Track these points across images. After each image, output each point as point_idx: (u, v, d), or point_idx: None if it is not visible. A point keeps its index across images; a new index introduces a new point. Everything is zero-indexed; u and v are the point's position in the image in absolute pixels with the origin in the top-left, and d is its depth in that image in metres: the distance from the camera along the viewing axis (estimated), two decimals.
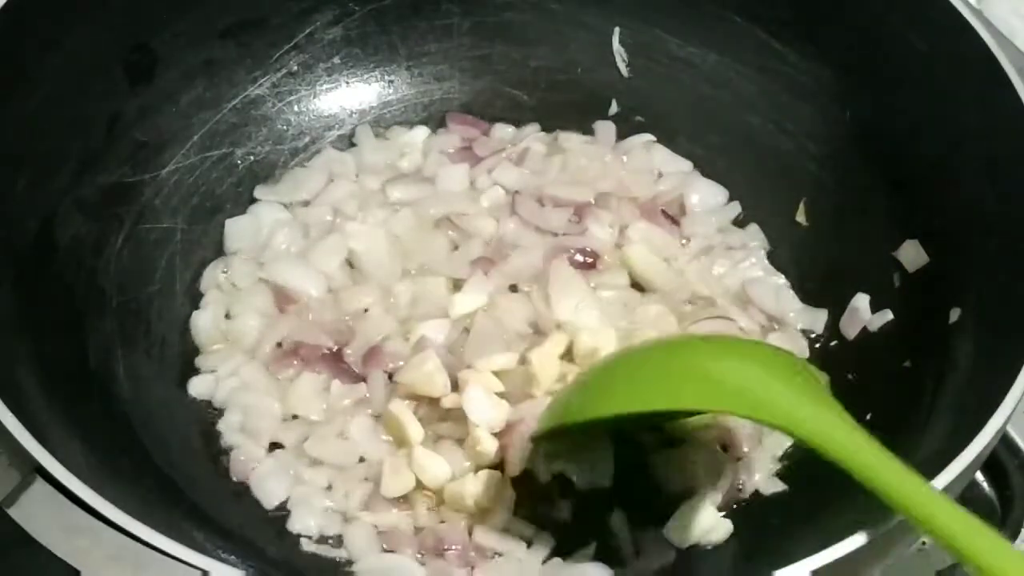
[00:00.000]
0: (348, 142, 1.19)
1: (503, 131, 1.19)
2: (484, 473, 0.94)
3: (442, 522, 0.94)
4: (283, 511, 0.95)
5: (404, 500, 0.95)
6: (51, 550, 0.70)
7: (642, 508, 0.95)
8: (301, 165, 1.16)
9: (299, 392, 1.00)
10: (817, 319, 1.07)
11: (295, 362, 1.02)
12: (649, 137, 1.18)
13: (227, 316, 1.06)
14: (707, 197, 1.15)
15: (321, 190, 1.13)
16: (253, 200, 1.13)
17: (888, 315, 1.03)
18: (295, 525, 0.94)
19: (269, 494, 0.96)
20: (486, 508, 0.94)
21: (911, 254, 1.03)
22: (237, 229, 1.11)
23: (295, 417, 1.00)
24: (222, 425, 1.00)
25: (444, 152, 1.17)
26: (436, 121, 1.21)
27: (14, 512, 0.72)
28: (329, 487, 0.96)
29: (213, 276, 1.08)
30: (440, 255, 1.09)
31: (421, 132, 1.19)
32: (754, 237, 1.13)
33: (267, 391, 1.01)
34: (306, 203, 1.13)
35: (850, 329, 1.04)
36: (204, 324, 1.05)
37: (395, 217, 1.11)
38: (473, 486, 0.93)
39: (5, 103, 0.93)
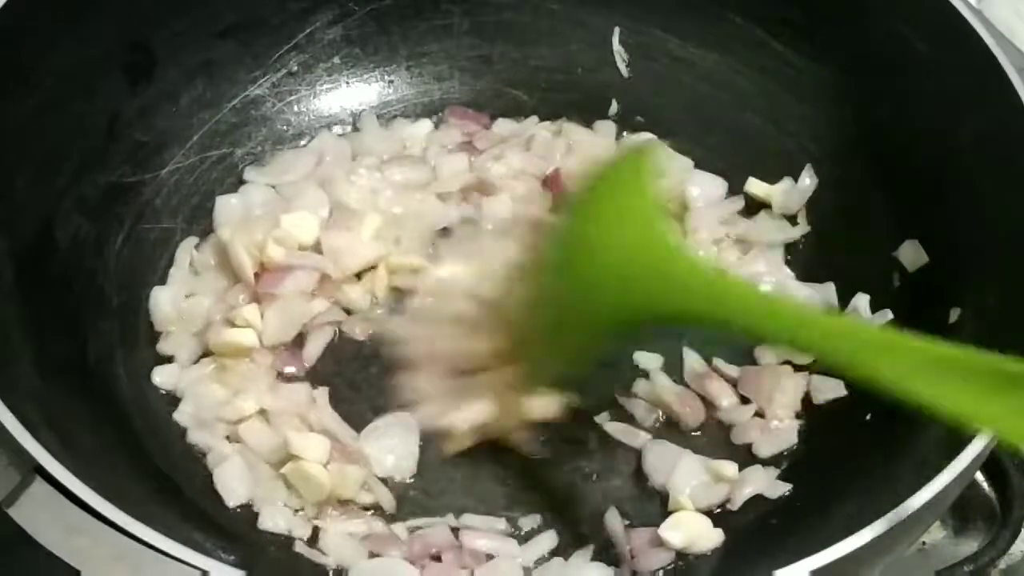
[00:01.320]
0: None
1: (504, 126, 1.19)
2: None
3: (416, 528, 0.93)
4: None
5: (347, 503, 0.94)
6: (51, 550, 0.70)
7: (637, 507, 0.95)
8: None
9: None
10: (827, 292, 1.07)
11: None
12: (650, 136, 1.18)
13: (187, 296, 1.05)
14: (708, 190, 1.14)
15: (311, 171, 1.13)
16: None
17: (888, 315, 1.02)
18: (265, 523, 0.93)
19: (230, 492, 0.94)
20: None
21: (911, 254, 1.03)
22: (227, 207, 1.10)
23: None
24: (177, 416, 0.98)
25: (444, 147, 1.17)
26: (436, 122, 1.20)
27: (14, 512, 0.72)
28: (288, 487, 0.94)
29: (185, 253, 1.07)
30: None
31: (425, 125, 1.18)
32: (758, 228, 1.12)
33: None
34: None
35: None
36: (163, 302, 1.03)
37: (387, 186, 1.11)
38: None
39: (5, 103, 0.93)
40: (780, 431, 0.99)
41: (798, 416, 1.01)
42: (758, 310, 0.75)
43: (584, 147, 1.16)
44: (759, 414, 1.00)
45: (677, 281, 0.77)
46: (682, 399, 1.00)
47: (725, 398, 1.01)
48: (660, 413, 1.01)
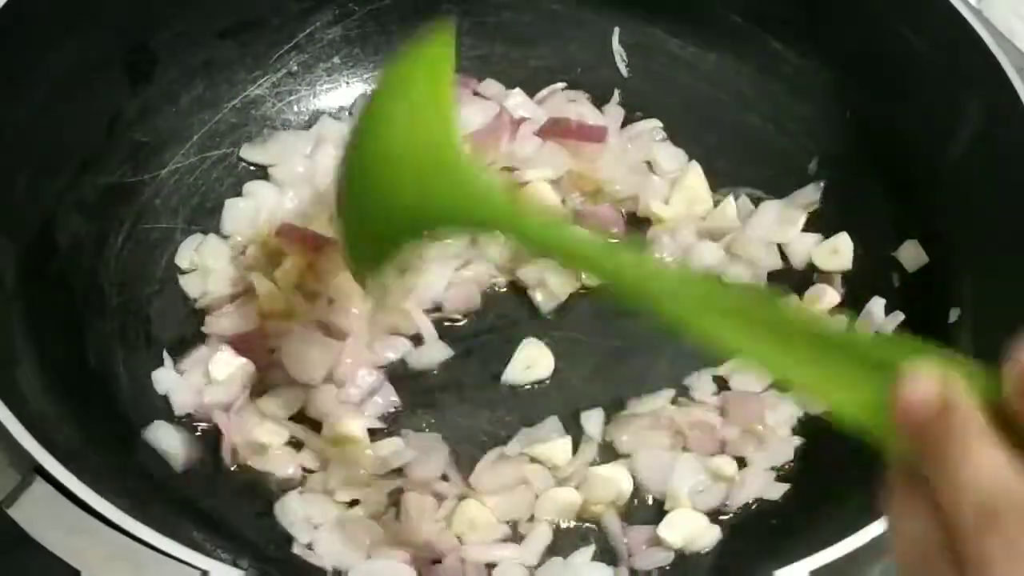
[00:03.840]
0: None
1: (491, 86, 1.17)
2: None
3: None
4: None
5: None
6: (51, 550, 0.70)
7: (635, 505, 0.95)
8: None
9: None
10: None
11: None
12: (656, 123, 1.16)
13: None
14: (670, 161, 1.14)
15: (311, 153, 1.12)
16: None
17: (900, 316, 1.01)
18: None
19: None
20: None
21: (911, 254, 1.03)
22: (235, 210, 1.09)
23: None
24: None
25: None
26: None
27: (14, 512, 0.72)
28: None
29: (187, 253, 1.07)
30: None
31: None
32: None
33: None
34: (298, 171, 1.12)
35: None
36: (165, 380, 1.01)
37: None
38: None
39: (5, 103, 0.93)
40: (776, 447, 0.97)
41: (794, 432, 0.98)
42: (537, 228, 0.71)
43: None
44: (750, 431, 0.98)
45: (463, 190, 0.75)
46: (693, 424, 0.98)
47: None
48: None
